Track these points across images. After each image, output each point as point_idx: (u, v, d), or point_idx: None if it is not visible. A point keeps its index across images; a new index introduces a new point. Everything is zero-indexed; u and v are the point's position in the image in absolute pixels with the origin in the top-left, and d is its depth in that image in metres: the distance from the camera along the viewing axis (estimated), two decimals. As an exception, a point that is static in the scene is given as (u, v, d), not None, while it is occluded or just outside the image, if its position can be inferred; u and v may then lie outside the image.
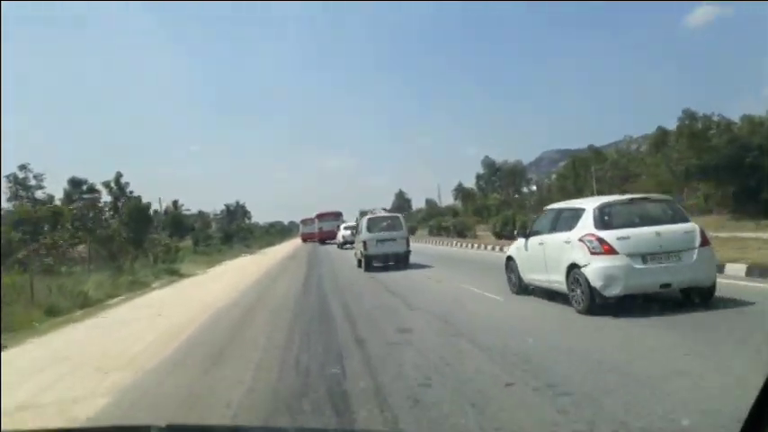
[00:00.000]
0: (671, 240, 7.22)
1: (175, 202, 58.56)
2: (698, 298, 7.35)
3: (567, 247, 7.82)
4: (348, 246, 30.95)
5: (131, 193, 37.36)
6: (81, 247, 35.05)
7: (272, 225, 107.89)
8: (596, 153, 60.65)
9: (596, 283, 7.13)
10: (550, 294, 8.58)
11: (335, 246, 37.76)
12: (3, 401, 4.82)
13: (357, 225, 23.40)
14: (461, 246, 28.47)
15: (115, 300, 14.50)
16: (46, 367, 6.87)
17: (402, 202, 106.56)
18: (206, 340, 7.99)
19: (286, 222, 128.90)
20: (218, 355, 6.87)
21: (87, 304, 13.15)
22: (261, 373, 5.63)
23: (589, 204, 8.00)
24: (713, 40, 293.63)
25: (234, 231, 58.82)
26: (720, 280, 7.92)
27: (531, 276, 9.27)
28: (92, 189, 39.58)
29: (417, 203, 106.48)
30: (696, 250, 7.20)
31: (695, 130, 40.40)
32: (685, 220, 7.63)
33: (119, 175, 40.71)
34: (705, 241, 7.37)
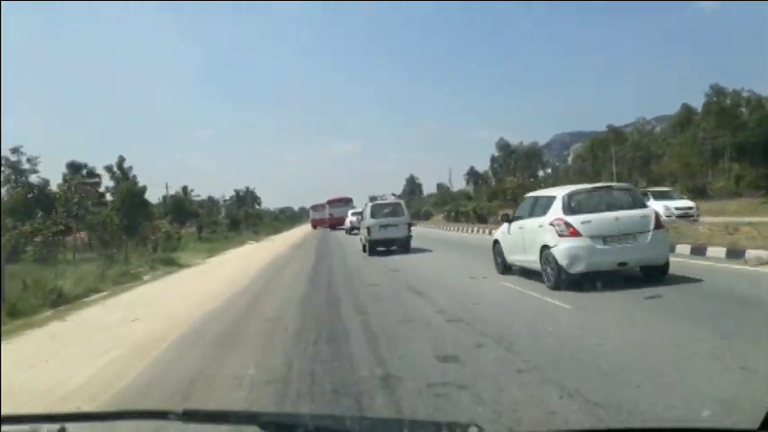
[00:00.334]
0: (628, 224, 8.03)
1: (185, 188, 56.89)
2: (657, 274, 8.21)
3: (540, 231, 8.66)
4: (355, 231, 30.51)
5: (134, 177, 35.90)
6: (82, 234, 33.87)
7: (281, 211, 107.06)
8: (616, 134, 58.28)
9: (563, 261, 7.95)
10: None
11: (344, 231, 37.01)
12: None
13: (363, 211, 23.36)
14: (484, 232, 24.83)
15: (95, 296, 13.07)
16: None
17: (413, 187, 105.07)
18: (172, 373, 5.61)
19: (296, 208, 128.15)
20: (183, 400, 4.58)
21: (60, 302, 11.72)
22: None
23: (559, 192, 8.85)
24: (726, 21, 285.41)
25: (241, 217, 57.59)
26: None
27: (513, 257, 10.03)
28: (91, 173, 37.96)
29: (428, 188, 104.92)
30: (650, 233, 8.02)
31: (724, 107, 38.00)
32: (643, 206, 8.63)
33: (121, 159, 39.14)
34: (659, 225, 8.29)
